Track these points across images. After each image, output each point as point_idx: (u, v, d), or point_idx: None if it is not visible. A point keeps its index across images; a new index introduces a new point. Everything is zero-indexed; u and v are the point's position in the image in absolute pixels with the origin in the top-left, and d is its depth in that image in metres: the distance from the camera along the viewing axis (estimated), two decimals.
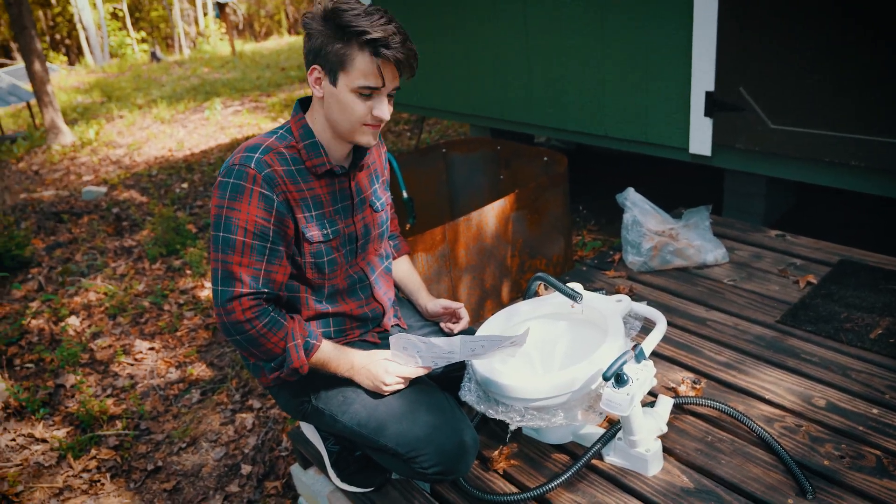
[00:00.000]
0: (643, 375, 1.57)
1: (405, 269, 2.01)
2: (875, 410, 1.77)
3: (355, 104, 1.49)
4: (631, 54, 3.22)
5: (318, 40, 1.48)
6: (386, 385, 1.62)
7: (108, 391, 3.13)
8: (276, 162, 1.52)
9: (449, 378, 1.88)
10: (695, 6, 2.84)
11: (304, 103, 1.64)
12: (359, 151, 1.69)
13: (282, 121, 8.44)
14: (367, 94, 1.48)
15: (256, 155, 1.50)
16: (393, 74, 1.48)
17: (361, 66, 1.45)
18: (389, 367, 1.63)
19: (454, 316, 1.94)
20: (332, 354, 1.61)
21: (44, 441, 2.81)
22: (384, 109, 1.51)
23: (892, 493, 1.50)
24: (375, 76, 1.46)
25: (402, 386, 1.65)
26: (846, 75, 2.54)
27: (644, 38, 3.13)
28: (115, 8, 25.68)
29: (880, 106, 2.49)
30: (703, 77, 2.93)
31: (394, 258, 1.98)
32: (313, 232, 1.59)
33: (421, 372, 1.65)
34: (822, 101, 2.63)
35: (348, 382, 1.65)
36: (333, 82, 1.50)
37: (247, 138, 7.73)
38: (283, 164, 1.53)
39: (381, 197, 1.80)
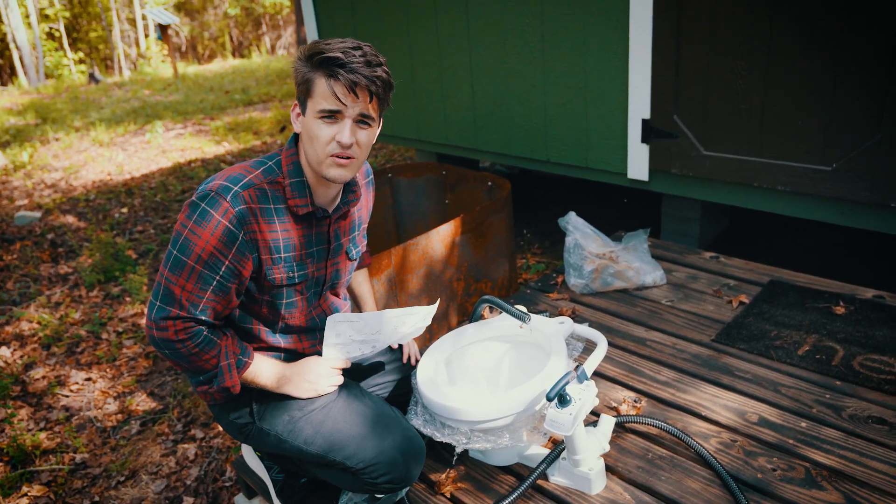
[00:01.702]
0: (585, 395, 1.61)
1: (358, 280, 2.02)
2: (804, 424, 1.85)
3: (319, 129, 1.46)
4: (571, 81, 3.32)
5: (295, 76, 1.49)
6: (323, 378, 1.64)
7: (42, 425, 3.00)
8: (254, 199, 1.48)
9: (396, 402, 1.88)
10: (630, 36, 2.96)
11: (297, 138, 1.59)
12: (345, 197, 1.66)
13: (226, 145, 8.33)
14: (329, 117, 1.45)
15: (236, 188, 1.46)
16: (351, 97, 1.44)
17: (321, 89, 1.44)
18: (321, 361, 1.66)
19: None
20: (262, 368, 1.61)
21: None
22: (345, 134, 1.45)
23: (821, 502, 1.58)
24: (332, 98, 1.43)
25: (339, 379, 1.67)
26: (773, 105, 2.68)
27: (583, 66, 3.24)
28: (51, 27, 24.98)
29: (804, 134, 2.63)
30: (639, 105, 3.04)
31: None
32: (278, 275, 1.56)
33: (348, 364, 1.70)
34: (751, 130, 2.76)
35: (292, 402, 1.64)
36: (304, 111, 1.50)
37: (189, 162, 7.61)
38: (261, 202, 1.49)
39: (358, 245, 1.78)
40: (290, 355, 1.71)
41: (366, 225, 1.86)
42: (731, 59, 2.73)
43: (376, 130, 1.56)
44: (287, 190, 1.53)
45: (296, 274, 1.59)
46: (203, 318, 1.48)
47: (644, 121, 3.05)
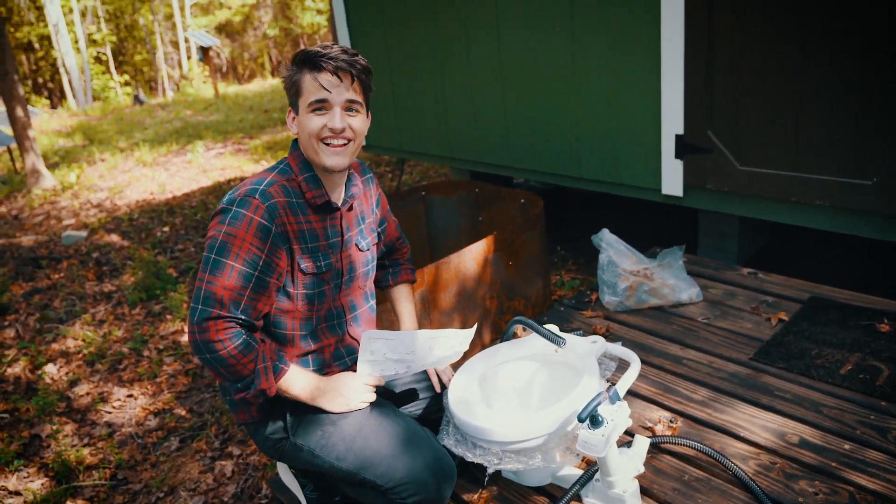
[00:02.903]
0: (618, 416, 1.59)
1: (399, 297, 2.06)
2: (847, 446, 1.80)
3: (311, 121, 1.59)
4: (603, 97, 3.32)
5: (285, 85, 1.64)
6: (355, 393, 1.66)
7: (85, 440, 3.08)
8: (280, 193, 1.59)
9: (429, 420, 1.89)
10: (662, 51, 2.95)
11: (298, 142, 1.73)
12: (348, 191, 1.75)
13: (265, 163, 8.49)
14: (319, 109, 1.58)
15: (261, 187, 1.58)
16: (335, 83, 1.57)
17: (307, 85, 1.58)
18: (354, 377, 1.69)
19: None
20: (297, 378, 1.64)
21: (17, 494, 2.76)
22: (336, 119, 1.58)
23: None
24: (318, 88, 1.56)
25: (371, 396, 1.69)
26: (808, 118, 2.63)
27: (615, 82, 3.23)
28: (98, 52, 25.89)
29: (842, 147, 2.58)
30: (672, 120, 3.02)
31: (391, 284, 2.05)
32: (307, 263, 1.64)
33: (382, 381, 1.72)
34: (787, 144, 2.72)
35: (325, 417, 1.66)
36: (297, 111, 1.63)
37: (229, 181, 7.78)
38: (286, 196, 1.61)
39: (367, 237, 1.84)
40: (318, 358, 1.75)
41: (372, 220, 1.91)
42: (764, 73, 2.69)
43: (366, 119, 1.67)
44: (303, 185, 1.65)
45: (322, 263, 1.68)
46: (243, 317, 1.53)
47: (678, 136, 3.02)
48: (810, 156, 2.67)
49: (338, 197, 1.73)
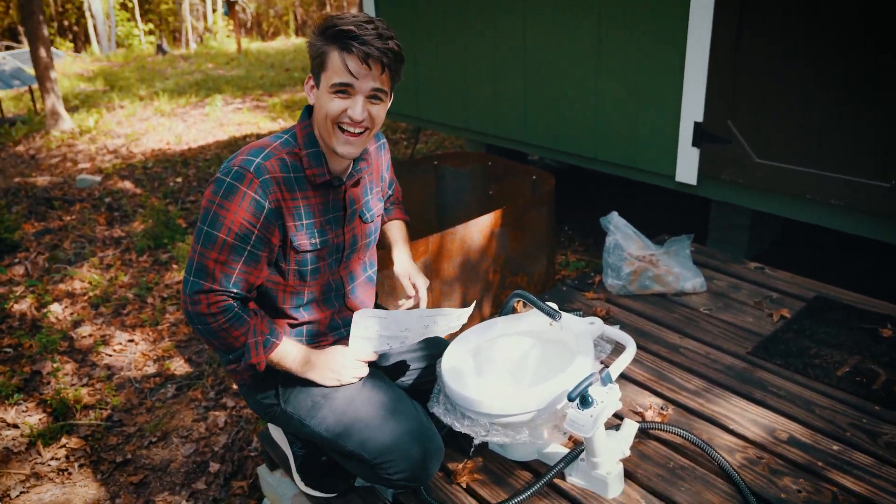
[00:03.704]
0: (608, 398, 1.59)
1: (392, 227, 2.03)
2: (836, 447, 1.79)
3: (331, 102, 1.50)
4: (625, 80, 3.26)
5: (310, 49, 1.53)
6: (347, 369, 1.66)
7: (85, 380, 3.13)
8: (277, 168, 1.53)
9: (419, 390, 1.90)
10: (688, 38, 2.89)
11: (312, 110, 1.64)
12: (356, 165, 1.70)
13: (281, 122, 8.47)
14: (342, 92, 1.49)
15: (258, 160, 1.51)
16: (364, 71, 1.47)
17: (334, 63, 1.48)
18: (347, 352, 1.67)
19: (414, 299, 1.94)
20: (289, 351, 1.63)
21: (15, 426, 2.81)
22: (357, 109, 1.50)
23: None
24: (345, 71, 1.47)
25: (363, 371, 1.68)
26: (831, 117, 2.58)
27: (639, 65, 3.17)
28: None
29: (861, 148, 2.53)
30: (692, 107, 2.97)
31: (385, 221, 2.02)
32: (302, 241, 1.61)
33: (375, 357, 1.70)
34: (807, 140, 2.67)
35: (317, 388, 1.67)
36: (318, 84, 1.54)
37: (244, 137, 7.77)
38: (283, 171, 1.54)
39: (373, 208, 1.81)
40: (313, 329, 1.74)
41: (381, 187, 1.89)
42: (790, 67, 2.63)
43: (388, 104, 1.59)
44: (305, 160, 1.58)
45: (318, 240, 1.63)
46: (235, 290, 1.53)
47: (696, 124, 2.97)
48: (829, 154, 2.62)
49: (343, 171, 1.67)
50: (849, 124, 2.55)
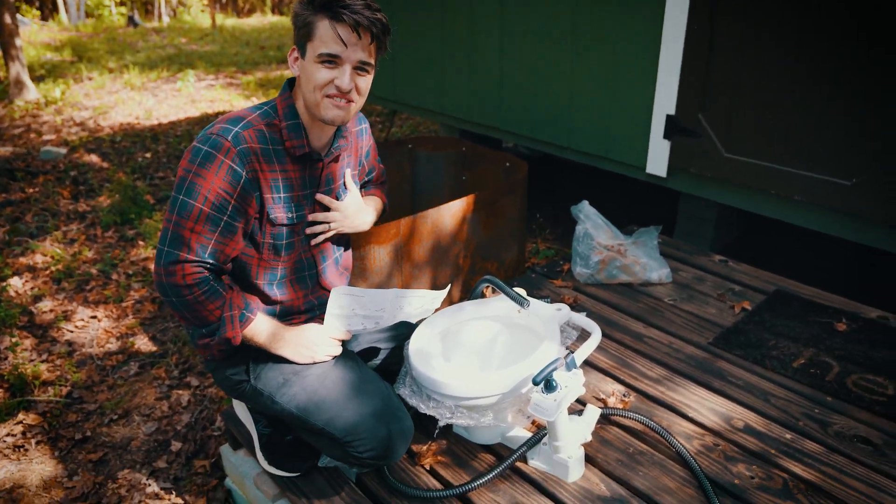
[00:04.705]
0: (572, 383, 1.61)
1: (368, 195, 1.97)
2: (788, 435, 1.84)
3: (318, 71, 1.50)
4: (600, 69, 3.28)
5: (295, 20, 1.53)
6: (320, 346, 1.66)
7: (44, 356, 3.07)
8: (255, 139, 1.53)
9: (387, 371, 1.91)
10: (664, 28, 2.91)
11: (293, 83, 1.64)
12: (335, 142, 1.69)
13: (255, 100, 8.34)
14: (329, 62, 1.49)
15: (235, 129, 1.51)
16: (353, 40, 1.48)
17: (322, 33, 1.48)
18: (321, 329, 1.67)
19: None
20: (263, 327, 1.63)
21: None
22: (345, 79, 1.50)
23: None
24: (335, 41, 1.47)
25: (337, 349, 1.68)
26: (798, 114, 2.63)
27: (613, 56, 3.19)
28: None
29: (825, 146, 2.58)
30: (665, 100, 3.00)
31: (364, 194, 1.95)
32: (278, 214, 1.60)
33: (348, 336, 1.70)
34: (774, 136, 2.72)
35: (288, 366, 1.67)
36: (303, 55, 1.54)
37: (217, 114, 7.64)
38: (261, 143, 1.54)
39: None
40: (286, 307, 1.73)
41: (359, 170, 1.87)
42: (761, 63, 2.67)
43: (372, 77, 1.60)
44: (284, 132, 1.58)
45: (294, 214, 1.63)
46: (211, 261, 1.52)
47: (668, 116, 3.01)
48: (794, 151, 2.68)
49: (323, 147, 1.67)
50: (814, 122, 2.60)
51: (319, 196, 1.70)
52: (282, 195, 1.60)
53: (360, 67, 1.53)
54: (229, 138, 1.49)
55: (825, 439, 1.83)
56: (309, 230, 1.71)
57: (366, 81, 1.57)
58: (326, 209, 1.73)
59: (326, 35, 1.47)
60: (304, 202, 1.65)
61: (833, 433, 1.85)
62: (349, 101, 1.54)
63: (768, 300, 2.52)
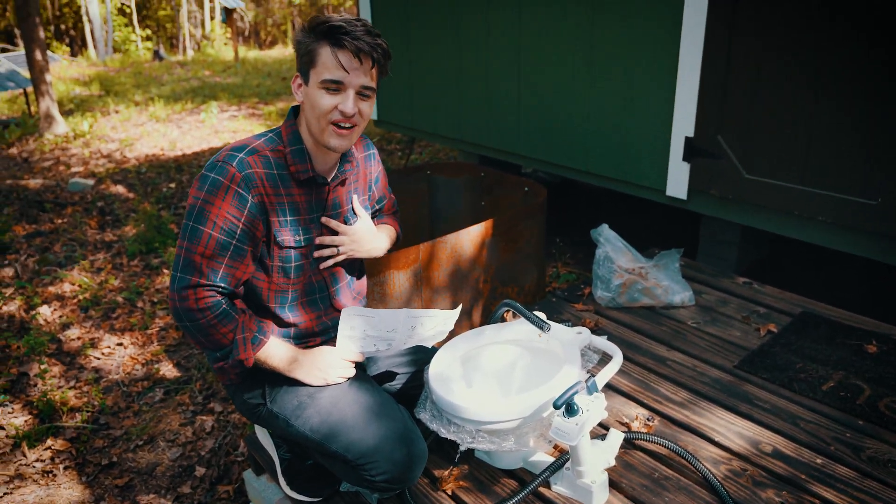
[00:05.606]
0: (594, 407, 1.60)
1: (381, 224, 1.96)
2: (819, 460, 1.80)
3: (322, 98, 1.54)
4: (618, 93, 3.30)
5: (297, 48, 1.57)
6: (333, 368, 1.66)
7: (72, 383, 3.11)
8: (259, 164, 1.56)
9: (407, 395, 1.90)
10: (681, 52, 2.92)
11: (298, 110, 1.68)
12: (341, 167, 1.72)
13: None
14: (333, 88, 1.53)
15: (240, 155, 1.55)
16: (355, 65, 1.52)
17: (325, 59, 1.52)
18: (334, 351, 1.68)
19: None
20: (276, 349, 1.64)
21: (1, 428, 2.79)
22: (349, 104, 1.54)
23: None
24: (337, 67, 1.51)
25: (350, 371, 1.69)
26: (819, 134, 2.61)
27: (631, 79, 3.21)
28: (122, 3, 25.79)
29: (848, 166, 2.56)
30: (683, 122, 3.00)
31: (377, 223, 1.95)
32: (285, 237, 1.63)
33: (361, 357, 1.71)
34: (795, 157, 2.70)
35: (303, 388, 1.67)
36: (306, 81, 1.57)
37: None
38: (265, 168, 1.57)
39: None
40: (300, 330, 1.75)
41: (368, 196, 1.89)
42: (780, 83, 2.67)
43: (374, 101, 1.63)
44: (288, 157, 1.61)
45: (302, 237, 1.66)
46: (223, 285, 1.54)
47: (687, 138, 3.01)
48: (817, 171, 2.66)
49: (328, 171, 1.70)
50: (836, 142, 2.58)
51: (325, 220, 1.72)
52: (288, 218, 1.62)
53: (362, 92, 1.56)
54: (234, 164, 1.52)
55: (858, 464, 1.78)
56: (317, 253, 1.72)
57: (368, 105, 1.61)
58: (334, 233, 1.75)
59: (329, 61, 1.51)
60: (311, 226, 1.68)
61: (866, 458, 1.80)
62: (353, 124, 1.58)
63: (795, 322, 2.48)
